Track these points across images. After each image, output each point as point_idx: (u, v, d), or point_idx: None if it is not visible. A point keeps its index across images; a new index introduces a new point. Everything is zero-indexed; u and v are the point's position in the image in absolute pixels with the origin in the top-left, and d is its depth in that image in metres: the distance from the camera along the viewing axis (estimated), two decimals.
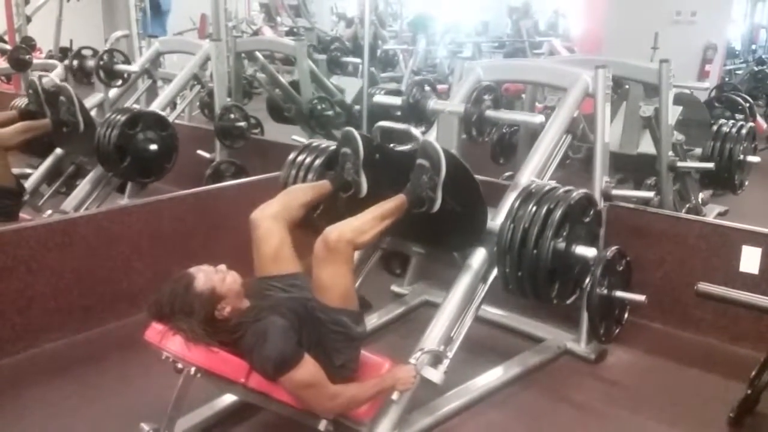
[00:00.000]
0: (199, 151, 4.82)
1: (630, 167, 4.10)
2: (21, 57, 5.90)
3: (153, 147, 4.00)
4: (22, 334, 2.92)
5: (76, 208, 4.15)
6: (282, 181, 2.92)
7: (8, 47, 6.48)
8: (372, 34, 7.41)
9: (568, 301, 2.60)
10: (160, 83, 5.21)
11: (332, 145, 2.91)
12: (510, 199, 2.61)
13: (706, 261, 3.17)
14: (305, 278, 2.30)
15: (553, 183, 2.60)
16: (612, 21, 7.53)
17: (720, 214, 4.70)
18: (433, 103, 3.17)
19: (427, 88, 3.37)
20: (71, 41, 7.95)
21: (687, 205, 4.28)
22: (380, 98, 3.78)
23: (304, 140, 5.60)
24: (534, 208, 2.41)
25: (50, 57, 7.27)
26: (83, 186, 4.25)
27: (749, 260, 3.04)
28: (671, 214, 3.49)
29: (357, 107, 5.76)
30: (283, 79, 6.03)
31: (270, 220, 2.35)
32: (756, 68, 10.26)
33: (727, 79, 9.09)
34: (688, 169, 4.05)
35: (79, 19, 8.47)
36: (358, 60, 6.94)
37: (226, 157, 4.72)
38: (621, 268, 2.98)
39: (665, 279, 3.28)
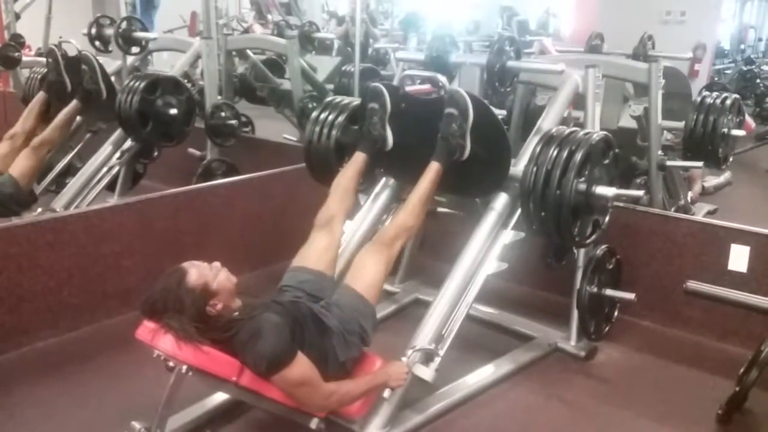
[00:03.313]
0: (190, 150, 4.81)
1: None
2: (10, 54, 5.85)
3: (173, 111, 4.06)
4: (13, 332, 2.90)
5: (67, 206, 4.13)
6: (306, 138, 3.02)
7: None
8: (363, 33, 7.40)
9: (588, 241, 2.68)
10: None
11: (354, 101, 3.00)
12: (532, 145, 2.66)
13: (695, 259, 3.20)
14: (331, 281, 2.42)
15: (572, 128, 2.66)
16: (602, 20, 7.56)
17: (709, 213, 4.73)
18: (455, 56, 3.18)
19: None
20: (60, 38, 7.91)
21: (676, 204, 4.31)
22: (403, 54, 3.81)
23: (295, 139, 5.65)
24: (556, 151, 2.48)
25: (39, 54, 7.22)
26: (75, 182, 4.23)
27: (738, 258, 3.07)
28: (661, 213, 3.52)
29: (330, 86, 5.77)
30: (275, 79, 5.99)
31: (332, 223, 2.52)
32: (745, 68, 10.33)
33: (716, 78, 9.14)
34: (677, 167, 4.06)
35: (69, 17, 8.41)
36: (331, 35, 6.90)
37: (217, 156, 4.71)
38: (611, 267, 3.01)
39: (654, 277, 3.30)
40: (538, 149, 2.54)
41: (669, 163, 3.89)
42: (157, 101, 4.03)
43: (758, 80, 9.59)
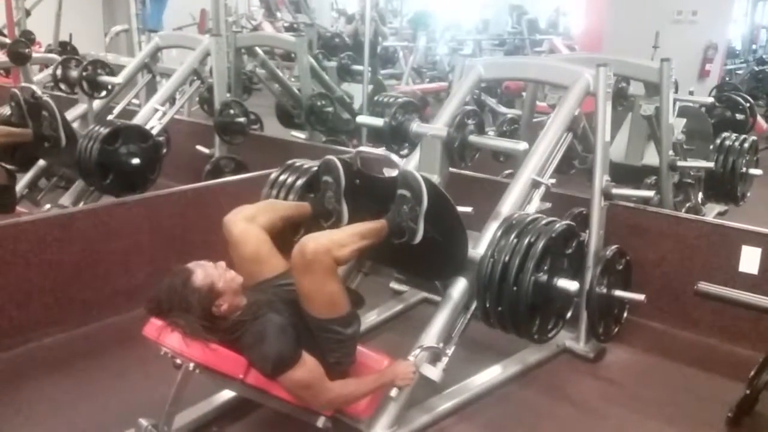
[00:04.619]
0: (199, 147, 4.82)
1: (634, 178, 4.12)
2: (20, 51, 5.88)
3: (135, 161, 3.87)
4: (21, 328, 2.91)
5: (75, 202, 4.14)
6: (263, 200, 2.88)
7: (8, 41, 6.45)
8: (372, 31, 7.40)
9: (551, 336, 2.55)
10: (159, 78, 5.20)
11: (314, 166, 2.83)
12: (492, 229, 2.55)
13: (706, 261, 3.17)
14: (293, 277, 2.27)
15: (536, 214, 2.56)
16: (613, 20, 7.53)
17: (719, 214, 4.70)
18: (416, 126, 3.14)
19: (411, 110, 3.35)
20: (71, 35, 7.94)
21: (687, 205, 4.29)
22: (364, 119, 3.80)
23: (303, 136, 5.65)
24: (515, 240, 2.36)
25: (49, 51, 7.25)
26: (77, 185, 4.23)
27: (749, 260, 3.04)
28: (671, 214, 3.49)
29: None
30: (284, 77, 6.02)
31: (244, 222, 2.30)
32: (756, 68, 10.27)
33: (727, 78, 9.09)
34: (688, 168, 4.06)
35: (79, 13, 8.46)
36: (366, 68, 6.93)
37: (226, 153, 4.72)
38: (620, 267, 2.98)
39: (664, 278, 3.28)
40: (497, 236, 2.42)
41: (680, 163, 3.88)
42: (119, 151, 3.83)
43: None
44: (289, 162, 2.99)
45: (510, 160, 4.49)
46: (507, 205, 2.75)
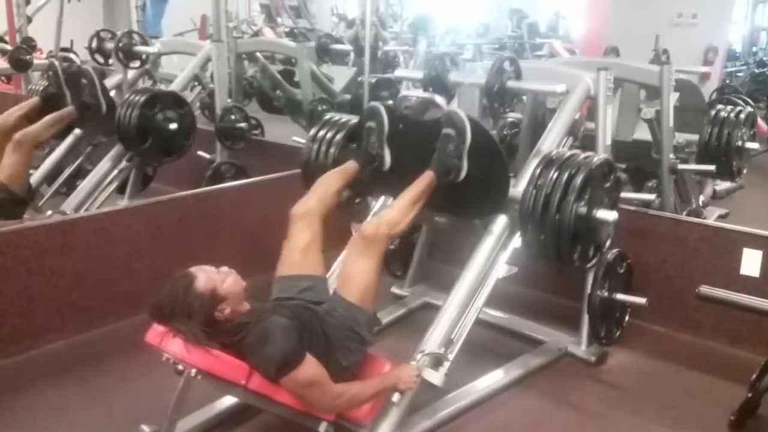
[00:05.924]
0: (200, 152, 4.82)
1: (625, 154, 4.07)
2: (21, 57, 5.90)
3: (173, 126, 4.06)
4: (22, 335, 2.91)
5: (77, 208, 4.14)
6: (304, 156, 2.99)
7: (9, 47, 6.47)
8: (373, 36, 7.41)
9: (589, 264, 2.71)
10: (159, 84, 5.21)
11: (352, 119, 2.96)
12: (531, 166, 2.66)
13: (707, 264, 3.17)
14: (325, 282, 2.38)
15: (574, 150, 2.67)
16: (613, 23, 7.54)
17: (721, 217, 4.70)
18: (454, 75, 3.17)
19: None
20: (72, 42, 7.94)
21: (688, 208, 4.28)
22: (402, 72, 3.80)
23: (304, 142, 5.65)
24: (556, 174, 2.47)
25: (50, 57, 7.26)
26: (85, 185, 4.25)
27: (750, 263, 3.04)
28: (672, 217, 3.49)
29: (346, 96, 5.77)
30: (285, 82, 6.02)
31: (310, 216, 2.45)
32: (757, 71, 10.26)
33: (727, 81, 9.08)
34: (689, 170, 4.03)
35: (80, 20, 8.45)
36: (347, 47, 6.91)
37: (227, 159, 4.72)
38: (622, 271, 2.99)
39: (666, 282, 3.27)
40: (537, 172, 2.54)
41: (680, 166, 3.87)
42: (157, 116, 4.03)
43: None
44: (327, 117, 3.12)
45: (511, 162, 4.48)
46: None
